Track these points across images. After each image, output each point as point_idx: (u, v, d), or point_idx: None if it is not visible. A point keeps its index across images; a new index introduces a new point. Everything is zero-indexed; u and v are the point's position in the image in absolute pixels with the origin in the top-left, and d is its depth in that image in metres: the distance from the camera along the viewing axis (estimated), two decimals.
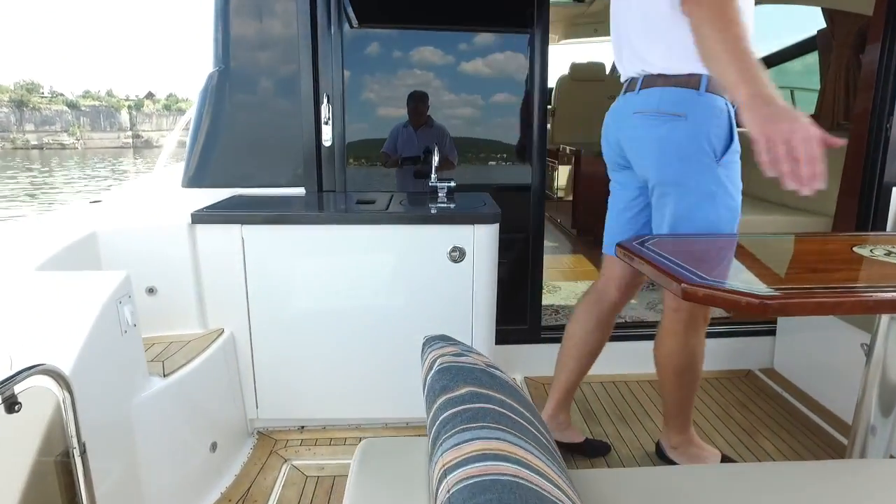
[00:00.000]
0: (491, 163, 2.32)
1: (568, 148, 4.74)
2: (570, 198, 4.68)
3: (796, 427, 2.03)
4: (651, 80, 1.46)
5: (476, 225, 1.82)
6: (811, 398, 2.21)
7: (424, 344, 0.96)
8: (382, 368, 1.95)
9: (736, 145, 1.43)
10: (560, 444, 1.84)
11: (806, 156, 0.96)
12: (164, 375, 1.54)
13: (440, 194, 2.09)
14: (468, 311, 1.92)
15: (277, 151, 2.22)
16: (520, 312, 2.41)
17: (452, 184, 2.11)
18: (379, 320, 1.91)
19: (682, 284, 0.98)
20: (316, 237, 1.82)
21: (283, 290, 1.86)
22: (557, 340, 2.47)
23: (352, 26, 2.18)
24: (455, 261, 1.85)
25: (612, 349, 2.45)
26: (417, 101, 2.25)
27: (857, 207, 2.36)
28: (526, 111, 2.26)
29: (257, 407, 1.96)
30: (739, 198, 1.47)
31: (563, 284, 3.17)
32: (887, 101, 2.22)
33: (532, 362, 2.44)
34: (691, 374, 1.65)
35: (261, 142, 2.21)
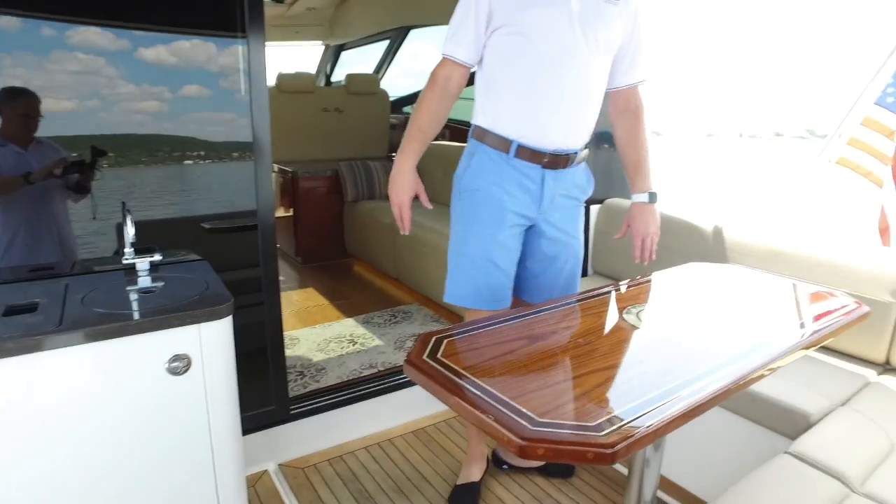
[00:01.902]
0: (203, 184, 1.85)
1: (277, 166, 4.34)
2: (282, 214, 4.31)
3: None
4: None
5: (203, 324, 1.37)
6: None
7: None
8: None
9: (464, 184, 1.62)
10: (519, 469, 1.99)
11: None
12: None
13: (140, 272, 1.56)
14: (204, 425, 1.46)
15: None
16: (262, 391, 2.01)
17: (157, 257, 1.59)
18: (75, 481, 1.30)
19: (519, 440, 0.80)
20: None
21: None
22: (310, 413, 2.16)
23: None
24: (177, 373, 1.37)
25: (369, 407, 2.26)
26: (27, 105, 1.53)
27: None
28: (242, 126, 1.84)
29: None
30: (468, 232, 1.62)
31: (300, 333, 2.84)
32: None
33: (286, 446, 2.07)
34: None
35: None
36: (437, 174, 4.14)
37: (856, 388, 1.70)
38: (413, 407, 2.33)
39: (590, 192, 1.71)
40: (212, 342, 1.40)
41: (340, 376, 2.38)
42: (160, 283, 1.53)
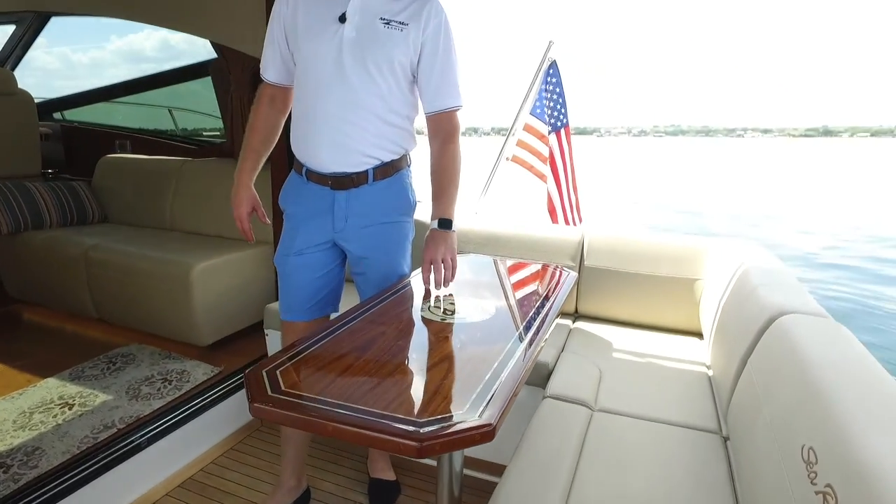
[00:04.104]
0: None
1: None
2: None
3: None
4: None
5: None
6: None
7: None
8: None
9: (280, 204, 1.71)
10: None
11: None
12: None
13: None
14: None
15: None
16: None
17: None
18: None
19: (416, 443, 0.85)
20: None
21: None
22: None
23: None
24: None
25: (120, 473, 1.90)
26: None
27: None
28: None
29: None
30: (279, 248, 1.70)
31: None
32: None
33: None
34: None
35: None
36: (126, 192, 3.60)
37: (566, 335, 2.22)
38: (173, 457, 2.05)
39: (405, 210, 1.68)
40: None
41: (68, 451, 1.92)
42: None
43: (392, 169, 1.61)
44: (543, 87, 3.05)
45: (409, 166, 1.69)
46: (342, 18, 1.47)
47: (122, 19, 3.24)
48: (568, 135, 3.05)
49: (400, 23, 1.49)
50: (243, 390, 2.35)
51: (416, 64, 1.55)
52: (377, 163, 1.57)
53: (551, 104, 3.04)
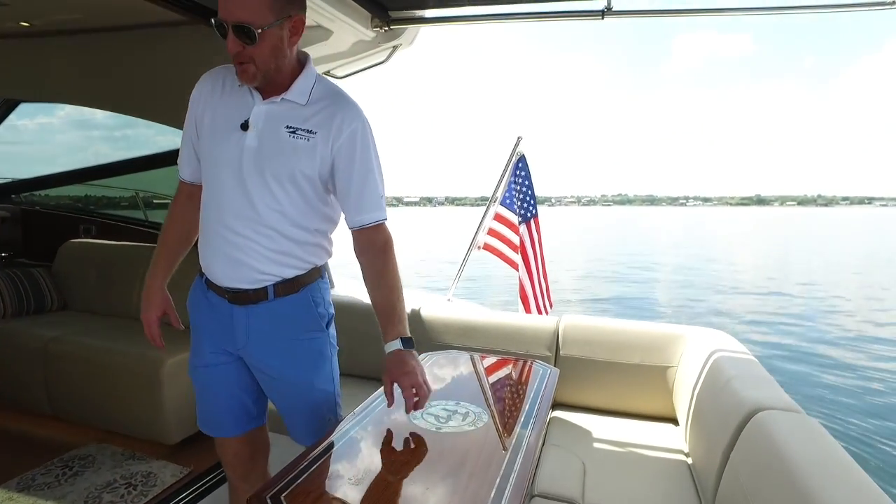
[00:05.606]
0: None
1: None
2: None
3: None
4: None
5: None
6: None
7: None
8: None
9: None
10: None
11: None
12: None
13: None
14: None
15: None
16: None
17: None
18: None
19: None
20: None
21: None
22: None
23: None
24: None
25: None
26: None
27: None
28: None
29: None
30: (193, 361, 1.56)
31: None
32: None
33: None
34: None
35: None
36: (89, 279, 3.50)
37: (546, 425, 2.24)
38: None
39: (315, 326, 1.49)
40: None
41: None
42: None
43: (297, 285, 1.43)
44: (513, 179, 3.22)
45: (321, 278, 1.51)
46: (244, 126, 1.34)
47: (105, 111, 3.29)
48: (538, 225, 3.20)
49: (307, 131, 1.34)
50: (216, 491, 2.25)
51: (326, 175, 1.39)
52: (277, 279, 1.41)
53: (521, 196, 3.20)
